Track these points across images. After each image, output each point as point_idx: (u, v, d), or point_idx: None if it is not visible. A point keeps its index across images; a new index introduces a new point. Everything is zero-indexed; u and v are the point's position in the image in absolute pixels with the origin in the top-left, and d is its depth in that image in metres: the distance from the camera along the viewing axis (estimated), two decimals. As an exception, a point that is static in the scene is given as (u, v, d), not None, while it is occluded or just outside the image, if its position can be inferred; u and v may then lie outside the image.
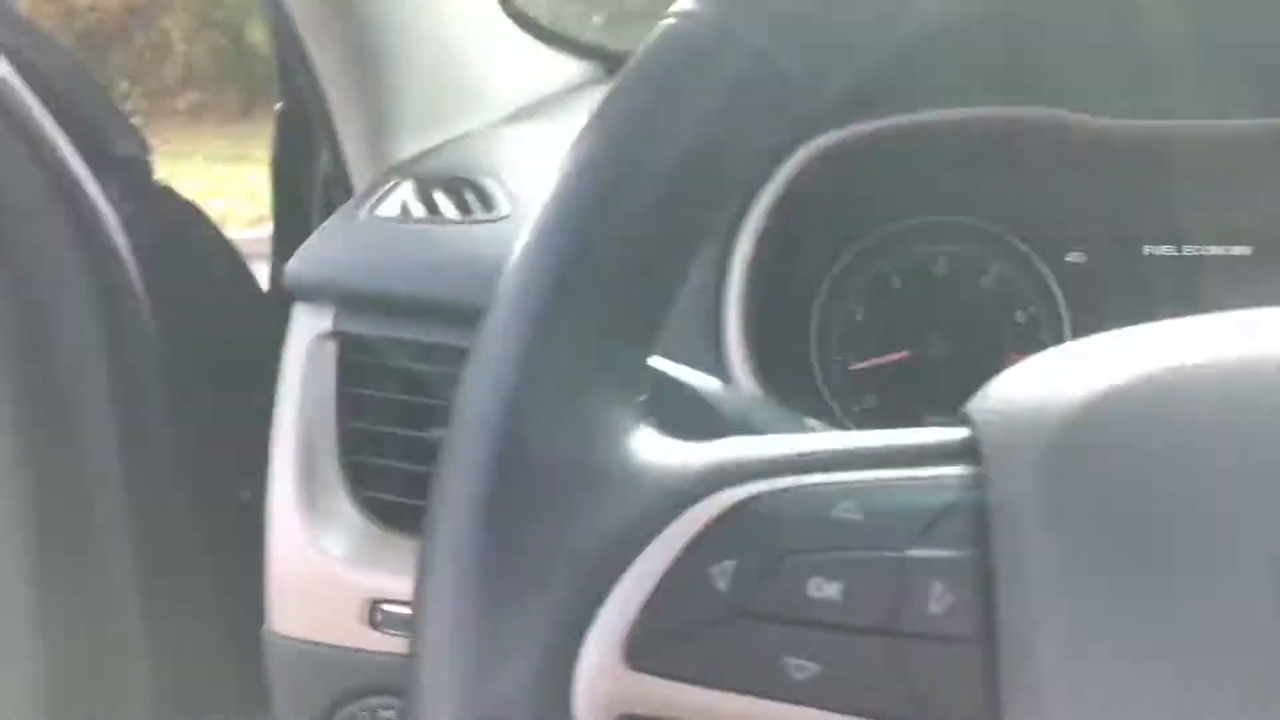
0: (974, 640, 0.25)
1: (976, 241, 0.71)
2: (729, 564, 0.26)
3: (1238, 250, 0.67)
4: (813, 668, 0.25)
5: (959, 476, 0.27)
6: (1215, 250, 0.67)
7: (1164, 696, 0.23)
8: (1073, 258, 0.69)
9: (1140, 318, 0.29)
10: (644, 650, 0.26)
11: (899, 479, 0.27)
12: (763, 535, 0.27)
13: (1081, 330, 0.66)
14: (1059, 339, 0.67)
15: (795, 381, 0.70)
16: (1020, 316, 0.69)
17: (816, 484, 0.27)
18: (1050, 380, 0.27)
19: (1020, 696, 0.24)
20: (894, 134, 0.65)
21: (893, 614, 0.25)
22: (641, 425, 0.29)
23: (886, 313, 0.71)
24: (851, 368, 0.72)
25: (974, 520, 0.25)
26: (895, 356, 0.70)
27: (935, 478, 0.27)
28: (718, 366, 0.62)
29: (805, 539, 0.26)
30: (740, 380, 0.62)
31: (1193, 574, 0.23)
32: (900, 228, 0.69)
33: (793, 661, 0.25)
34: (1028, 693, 0.24)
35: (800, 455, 0.28)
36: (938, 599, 0.25)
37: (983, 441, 0.26)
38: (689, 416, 0.44)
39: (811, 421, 0.50)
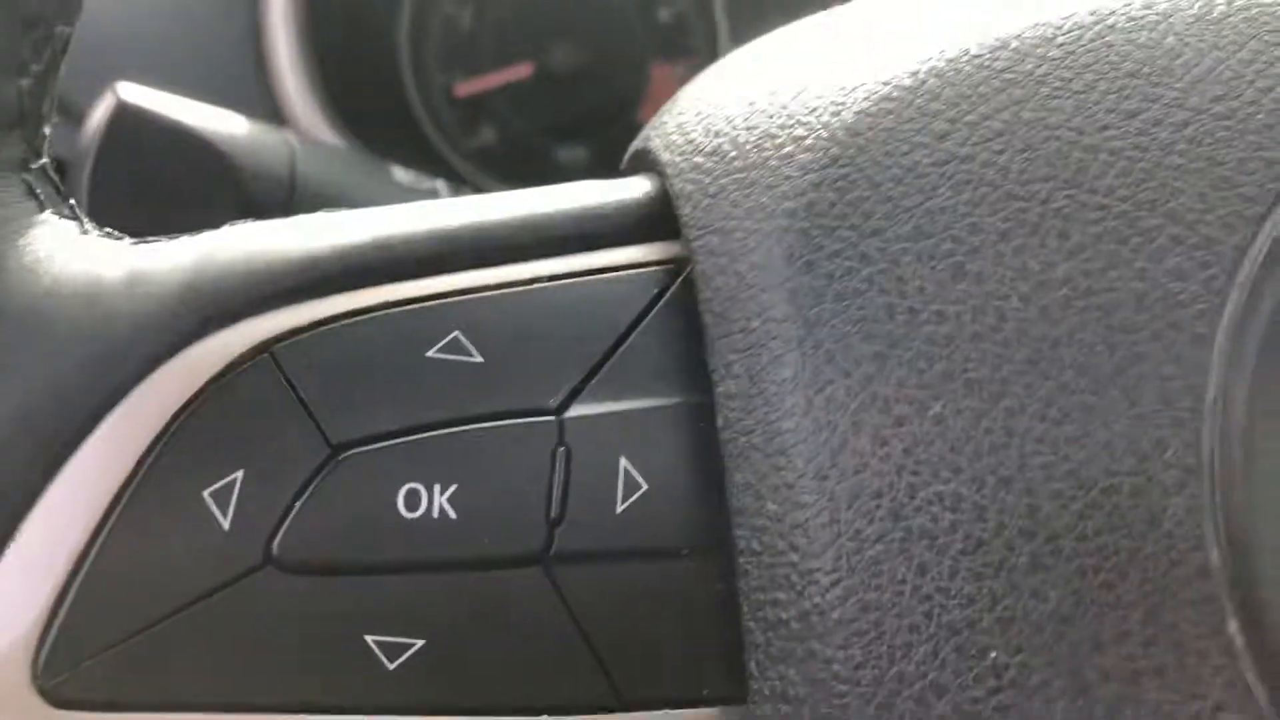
0: (690, 553, 0.16)
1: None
2: (237, 476, 0.16)
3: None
4: (415, 644, 0.16)
5: (647, 268, 0.18)
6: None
7: None
8: (723, -64, 0.58)
9: (810, 8, 0.22)
10: (76, 661, 0.16)
11: (541, 279, 0.18)
12: (295, 415, 0.17)
13: (741, 34, 0.58)
14: (713, 43, 0.58)
15: (384, 116, 0.58)
16: (665, 15, 0.59)
17: (393, 302, 0.17)
18: (764, 98, 0.18)
19: (774, 644, 0.15)
20: None
21: (551, 527, 0.16)
22: (43, 214, 0.18)
23: (500, 15, 0.59)
24: (459, 92, 0.60)
25: (676, 341, 0.17)
26: (513, 73, 0.59)
27: (608, 271, 0.18)
28: (265, 101, 0.46)
29: (378, 412, 0.17)
30: (301, 119, 0.47)
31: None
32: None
33: (378, 640, 0.16)
34: (783, 639, 0.15)
35: (363, 248, 0.18)
36: (628, 490, 0.16)
37: (684, 200, 0.18)
38: (188, 182, 0.30)
39: (399, 172, 0.37)
